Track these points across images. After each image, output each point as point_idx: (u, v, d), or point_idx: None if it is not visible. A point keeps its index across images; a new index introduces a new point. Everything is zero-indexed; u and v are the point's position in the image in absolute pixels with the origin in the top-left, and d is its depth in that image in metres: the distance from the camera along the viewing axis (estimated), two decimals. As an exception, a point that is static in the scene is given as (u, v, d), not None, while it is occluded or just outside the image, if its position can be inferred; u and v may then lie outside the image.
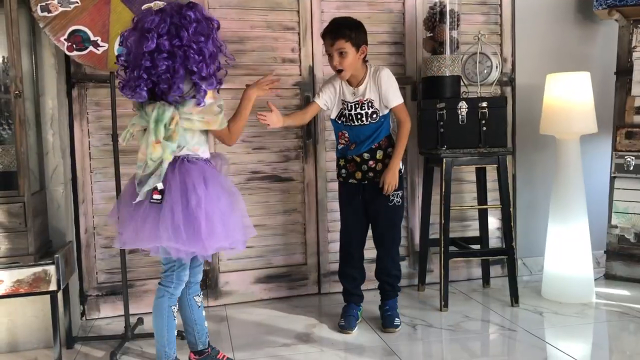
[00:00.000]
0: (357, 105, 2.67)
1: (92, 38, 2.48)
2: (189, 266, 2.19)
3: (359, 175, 2.72)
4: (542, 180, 3.50)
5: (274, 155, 3.20)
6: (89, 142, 2.94)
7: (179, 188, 2.00)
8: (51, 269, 2.29)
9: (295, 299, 3.24)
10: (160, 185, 1.99)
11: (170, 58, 1.96)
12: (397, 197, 2.74)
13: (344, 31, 2.56)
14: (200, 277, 2.29)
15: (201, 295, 2.30)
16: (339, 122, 2.74)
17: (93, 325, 2.92)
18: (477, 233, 3.36)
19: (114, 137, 2.68)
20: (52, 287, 2.30)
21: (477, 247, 3.30)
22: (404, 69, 3.33)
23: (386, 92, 2.65)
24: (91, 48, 2.48)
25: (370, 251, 2.90)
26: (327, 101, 2.71)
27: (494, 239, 3.45)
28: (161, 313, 2.13)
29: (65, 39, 2.45)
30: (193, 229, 1.98)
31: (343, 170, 2.76)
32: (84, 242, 2.95)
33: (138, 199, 2.00)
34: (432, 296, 3.17)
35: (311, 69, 3.20)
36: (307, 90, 3.20)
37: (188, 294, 2.25)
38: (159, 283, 2.17)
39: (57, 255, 2.30)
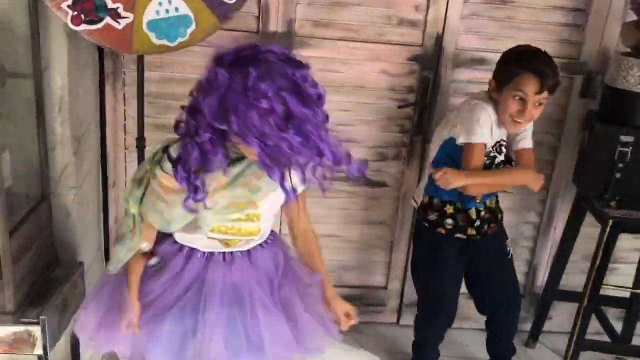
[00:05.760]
0: (496, 148, 1.96)
1: (111, 5, 1.64)
2: None
3: (470, 230, 2.02)
4: None
5: (367, 151, 2.35)
6: (125, 111, 2.22)
7: None
8: (36, 330, 1.72)
9: (367, 326, 2.58)
10: None
11: None
12: (509, 247, 2.15)
13: (559, 83, 1.88)
14: None
15: None
16: None
17: None
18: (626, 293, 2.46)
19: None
20: (38, 351, 1.75)
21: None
22: (578, 50, 2.26)
23: None
24: (108, 19, 1.65)
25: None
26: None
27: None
28: None
29: (69, 6, 1.61)
30: None
31: (449, 220, 2.01)
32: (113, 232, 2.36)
33: None
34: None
35: (439, 39, 2.20)
36: (428, 68, 2.24)
37: None
38: None
39: (42, 317, 1.72)
